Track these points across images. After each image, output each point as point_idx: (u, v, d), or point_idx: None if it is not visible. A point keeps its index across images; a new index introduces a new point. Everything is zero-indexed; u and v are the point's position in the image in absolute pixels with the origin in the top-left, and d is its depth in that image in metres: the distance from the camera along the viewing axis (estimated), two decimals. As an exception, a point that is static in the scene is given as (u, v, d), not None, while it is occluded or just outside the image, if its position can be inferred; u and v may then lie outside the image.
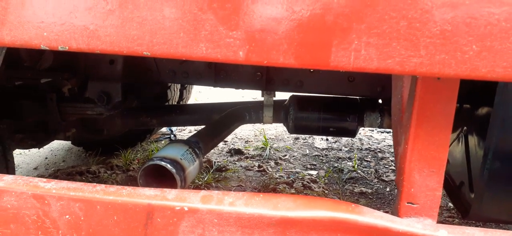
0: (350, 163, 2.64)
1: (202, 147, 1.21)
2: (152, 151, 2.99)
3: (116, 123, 1.73)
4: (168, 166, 1.00)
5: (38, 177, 2.43)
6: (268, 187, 2.19)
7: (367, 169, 2.53)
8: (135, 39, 0.59)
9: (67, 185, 0.74)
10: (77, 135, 2.04)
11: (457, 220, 1.93)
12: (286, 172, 2.46)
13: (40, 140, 1.76)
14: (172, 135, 3.38)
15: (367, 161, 2.68)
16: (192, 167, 1.09)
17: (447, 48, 0.52)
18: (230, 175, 2.40)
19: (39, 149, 2.52)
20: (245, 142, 3.07)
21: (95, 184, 0.75)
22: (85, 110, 1.52)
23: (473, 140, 1.06)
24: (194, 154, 1.13)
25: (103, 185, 0.75)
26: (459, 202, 1.07)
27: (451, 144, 1.21)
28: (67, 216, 0.72)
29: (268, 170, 2.46)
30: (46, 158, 2.99)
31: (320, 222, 0.65)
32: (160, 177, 1.05)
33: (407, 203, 0.67)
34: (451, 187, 1.14)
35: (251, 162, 2.61)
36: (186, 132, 3.47)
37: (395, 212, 0.69)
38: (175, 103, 2.67)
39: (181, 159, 1.06)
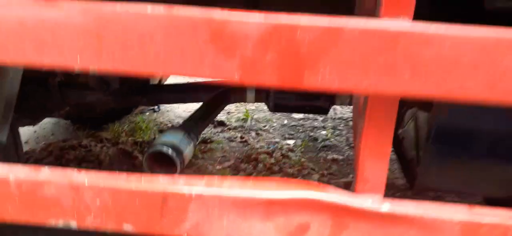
0: (324, 132, 2.88)
1: (195, 130, 1.39)
2: (138, 122, 3.13)
3: (110, 104, 1.88)
4: (169, 151, 1.19)
5: (30, 150, 2.56)
6: (250, 157, 2.41)
7: (339, 137, 2.78)
8: (161, 63, 0.76)
9: (96, 176, 0.92)
10: (70, 112, 2.18)
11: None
12: (266, 142, 2.69)
13: (35, 118, 1.89)
14: (156, 107, 3.53)
15: (340, 129, 2.93)
16: (188, 150, 1.29)
17: (388, 74, 0.72)
18: (214, 147, 2.60)
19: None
20: (227, 113, 3.26)
21: (118, 174, 0.93)
22: (85, 96, 1.67)
23: (421, 118, 1.28)
24: (189, 138, 1.32)
25: (125, 175, 0.93)
26: (409, 174, 1.30)
27: (406, 124, 1.44)
28: (98, 202, 0.90)
29: (249, 140, 2.68)
30: (35, 131, 3.10)
31: (295, 201, 0.86)
32: (162, 160, 1.23)
33: (361, 184, 0.88)
34: (404, 160, 1.38)
35: (234, 133, 2.82)
36: (168, 105, 3.62)
37: (352, 189, 0.90)
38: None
39: (179, 144, 1.25)
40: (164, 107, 3.57)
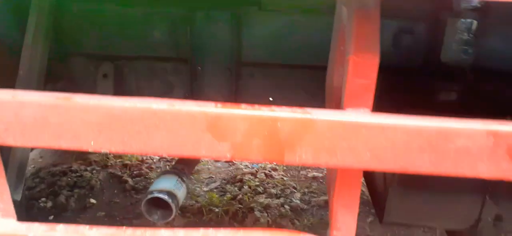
0: (304, 150, 3.06)
1: (186, 173, 1.54)
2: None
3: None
4: (166, 198, 1.34)
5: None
6: (236, 178, 2.57)
7: (318, 155, 2.97)
8: (166, 147, 0.91)
9: (105, 232, 1.06)
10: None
11: None
12: (250, 162, 2.85)
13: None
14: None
15: (319, 147, 3.11)
16: (181, 193, 1.43)
17: (352, 156, 0.89)
18: (201, 168, 2.74)
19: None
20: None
21: (125, 227, 1.07)
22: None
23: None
24: (181, 181, 1.46)
25: (131, 229, 1.07)
26: (378, 207, 1.49)
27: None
28: (108, 255, 1.05)
29: (234, 161, 2.83)
30: (24, 155, 3.14)
31: (280, 249, 1.03)
32: (158, 204, 1.38)
33: (335, 232, 1.05)
34: (374, 195, 1.56)
35: (219, 153, 2.97)
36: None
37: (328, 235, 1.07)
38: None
39: (173, 189, 1.39)
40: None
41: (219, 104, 0.91)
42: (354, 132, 0.88)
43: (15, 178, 1.16)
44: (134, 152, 0.92)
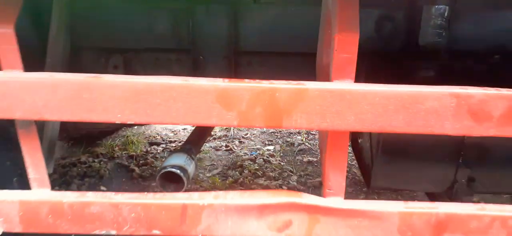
0: (299, 137, 3.24)
1: (194, 151, 1.70)
2: (128, 136, 3.39)
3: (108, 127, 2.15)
4: (178, 172, 1.50)
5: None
6: (236, 164, 2.73)
7: (313, 141, 3.14)
8: (181, 117, 1.07)
9: (129, 196, 1.23)
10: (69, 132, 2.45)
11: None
12: (249, 149, 3.02)
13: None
14: (144, 120, 3.77)
15: (313, 134, 3.29)
16: (191, 169, 1.60)
17: (339, 118, 1.06)
18: (203, 156, 2.91)
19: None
20: (211, 123, 3.57)
21: (146, 193, 1.24)
22: (98, 125, 1.94)
23: (374, 135, 1.64)
24: (191, 158, 1.63)
25: (151, 194, 1.24)
26: (366, 176, 1.66)
27: (363, 138, 1.79)
28: (133, 214, 1.21)
29: (234, 149, 3.00)
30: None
31: (280, 204, 1.19)
32: (171, 178, 1.54)
33: (328, 190, 1.22)
34: (362, 164, 1.73)
35: (219, 142, 3.14)
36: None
37: (321, 194, 1.24)
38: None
39: (184, 164, 1.56)
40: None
41: (226, 79, 1.08)
42: (340, 98, 1.05)
43: (47, 153, 1.32)
44: (155, 122, 1.09)
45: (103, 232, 1.24)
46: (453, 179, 1.48)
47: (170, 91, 1.06)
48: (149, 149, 3.13)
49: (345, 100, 1.05)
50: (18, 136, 1.18)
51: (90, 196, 1.23)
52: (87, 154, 3.05)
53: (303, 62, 1.83)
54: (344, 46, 1.05)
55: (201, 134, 1.92)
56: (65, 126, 1.88)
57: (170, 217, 1.21)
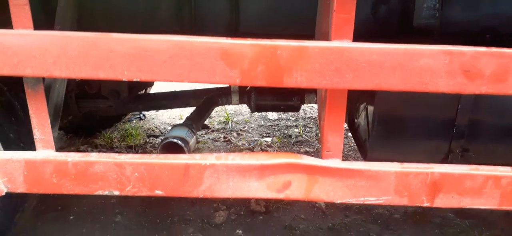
0: (297, 130, 3.28)
1: (195, 127, 1.74)
2: (127, 129, 3.41)
3: (113, 112, 2.19)
4: (179, 142, 1.54)
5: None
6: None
7: (309, 133, 3.18)
8: (186, 74, 1.11)
9: (133, 156, 1.26)
10: (72, 121, 2.47)
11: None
12: (247, 140, 3.05)
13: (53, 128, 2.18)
14: (142, 115, 3.81)
15: (310, 127, 3.33)
16: (192, 142, 1.63)
17: (338, 76, 1.10)
18: (201, 147, 2.94)
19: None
20: (209, 117, 3.60)
21: (150, 154, 1.27)
22: (98, 104, 1.98)
23: (370, 109, 1.68)
24: (192, 132, 1.66)
25: (154, 154, 1.27)
26: (363, 150, 1.70)
27: (360, 114, 1.84)
28: (136, 174, 1.24)
29: (232, 140, 3.04)
30: (32, 143, 3.30)
31: (280, 165, 1.23)
32: (172, 149, 1.57)
33: (326, 151, 1.26)
34: (359, 142, 1.78)
35: (217, 134, 3.17)
36: (153, 112, 3.92)
37: (319, 156, 1.28)
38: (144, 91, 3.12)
39: (185, 136, 1.59)
40: (149, 114, 3.87)
41: (229, 38, 1.13)
42: (339, 56, 1.09)
43: (52, 118, 1.35)
44: (161, 79, 1.12)
45: (105, 193, 1.27)
46: (447, 150, 1.52)
47: (175, 48, 1.10)
48: (147, 140, 3.15)
49: (344, 58, 1.09)
50: (26, 95, 1.21)
51: (94, 156, 1.26)
52: (86, 145, 3.07)
53: None
54: (342, 6, 1.10)
55: (201, 112, 1.96)
56: (68, 105, 1.91)
57: (172, 177, 1.24)
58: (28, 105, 1.22)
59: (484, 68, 1.09)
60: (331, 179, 1.24)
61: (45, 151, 1.27)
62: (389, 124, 1.54)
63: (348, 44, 1.10)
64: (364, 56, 1.09)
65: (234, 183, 1.24)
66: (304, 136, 3.15)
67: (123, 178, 1.25)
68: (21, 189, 1.27)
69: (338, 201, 1.26)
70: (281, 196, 1.26)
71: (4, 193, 1.27)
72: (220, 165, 1.23)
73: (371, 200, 1.25)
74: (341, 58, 1.09)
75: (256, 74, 1.12)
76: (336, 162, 1.24)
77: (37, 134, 1.25)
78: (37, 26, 1.15)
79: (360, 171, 1.23)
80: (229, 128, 3.31)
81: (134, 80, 1.14)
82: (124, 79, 1.14)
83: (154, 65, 1.12)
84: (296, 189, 1.25)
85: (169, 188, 1.25)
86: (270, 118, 3.57)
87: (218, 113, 3.69)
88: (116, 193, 1.27)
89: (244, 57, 1.11)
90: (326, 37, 1.31)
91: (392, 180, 1.23)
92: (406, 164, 1.25)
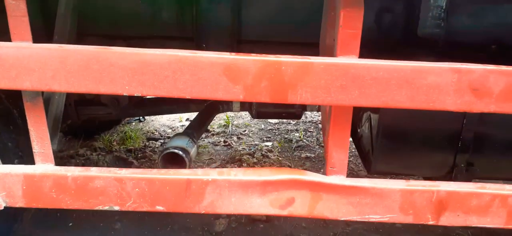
0: (297, 134, 3.25)
1: (196, 135, 1.72)
2: (126, 132, 3.38)
3: (114, 117, 2.16)
4: (180, 153, 1.51)
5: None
6: (234, 158, 2.74)
7: (310, 138, 3.16)
8: (189, 89, 1.09)
9: (134, 171, 1.24)
10: (72, 124, 2.45)
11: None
12: (247, 145, 3.03)
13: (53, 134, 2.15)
14: (142, 118, 3.78)
15: (311, 131, 3.31)
16: (193, 151, 1.61)
17: (343, 93, 1.08)
18: (201, 151, 2.91)
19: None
20: (209, 120, 3.58)
21: (150, 168, 1.25)
22: (98, 112, 1.96)
23: (374, 121, 1.66)
24: (193, 142, 1.64)
25: (156, 170, 1.25)
26: (366, 162, 1.68)
27: (363, 124, 1.82)
28: (137, 189, 1.22)
29: (232, 144, 3.01)
30: (30, 145, 3.28)
31: (283, 181, 1.21)
32: (173, 160, 1.55)
33: (330, 168, 1.24)
34: (362, 152, 1.76)
35: (217, 138, 3.14)
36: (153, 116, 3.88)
37: (324, 173, 1.26)
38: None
39: (186, 146, 1.57)
40: (149, 117, 3.85)
41: (233, 53, 1.10)
42: (345, 73, 1.07)
43: (52, 130, 1.33)
44: (162, 95, 1.10)
45: (106, 208, 1.25)
46: (452, 164, 1.50)
47: (178, 63, 1.08)
48: (147, 143, 3.13)
49: (350, 75, 1.07)
50: (25, 108, 1.18)
51: (94, 171, 1.24)
52: (85, 147, 3.05)
53: (305, 52, 1.86)
54: (349, 21, 1.08)
55: (202, 120, 1.94)
56: (67, 112, 1.89)
57: (174, 193, 1.22)
58: (27, 118, 1.20)
59: (493, 87, 1.07)
60: (335, 196, 1.22)
61: (44, 165, 1.25)
62: (394, 136, 1.51)
63: (354, 60, 1.08)
64: (371, 73, 1.07)
65: (236, 199, 1.22)
66: (305, 141, 3.13)
67: (123, 193, 1.22)
68: (20, 203, 1.25)
69: (342, 219, 1.24)
70: (284, 213, 1.23)
71: (2, 208, 1.24)
72: (222, 180, 1.20)
73: (375, 218, 1.23)
74: (347, 75, 1.07)
75: (260, 90, 1.10)
76: (340, 179, 1.22)
77: (36, 147, 1.23)
78: (36, 33, 1.13)
79: (365, 189, 1.21)
80: (229, 131, 3.28)
81: (136, 95, 1.12)
82: (125, 94, 1.12)
83: (156, 80, 1.09)
84: (300, 206, 1.23)
85: (171, 203, 1.23)
86: (271, 122, 3.54)
87: (219, 116, 3.66)
88: (117, 208, 1.25)
89: (248, 73, 1.08)
90: (330, 50, 1.29)
91: (397, 198, 1.21)
92: (411, 182, 1.23)
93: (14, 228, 1.65)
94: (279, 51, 1.92)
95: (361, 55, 1.14)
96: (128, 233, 2.05)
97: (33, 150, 1.23)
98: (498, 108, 1.08)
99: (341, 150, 1.22)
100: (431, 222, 1.23)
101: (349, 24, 1.08)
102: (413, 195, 1.22)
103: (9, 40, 1.10)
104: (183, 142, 1.59)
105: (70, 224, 2.09)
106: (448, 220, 1.22)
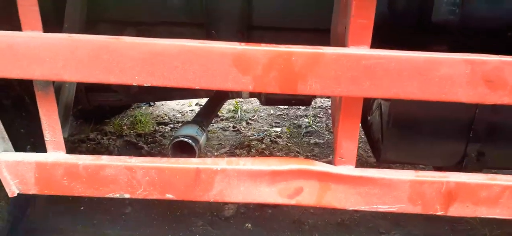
0: (307, 120, 3.25)
1: (206, 123, 1.72)
2: (136, 116, 3.40)
3: (123, 102, 2.17)
4: (190, 142, 1.52)
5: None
6: (243, 144, 2.75)
7: (320, 124, 3.15)
8: (198, 80, 1.08)
9: (144, 160, 1.25)
10: (83, 109, 2.47)
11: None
12: (256, 130, 3.03)
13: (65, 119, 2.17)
14: (151, 102, 3.80)
15: (320, 117, 3.30)
16: (202, 139, 1.61)
17: (354, 84, 1.07)
18: (210, 136, 2.93)
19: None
20: (218, 105, 3.58)
21: (160, 157, 1.26)
22: (108, 98, 1.97)
23: (385, 109, 1.65)
24: (202, 130, 1.64)
25: (166, 158, 1.26)
26: (376, 150, 1.67)
27: (374, 112, 1.80)
28: (147, 178, 1.23)
29: (241, 129, 3.02)
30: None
31: (292, 171, 1.21)
32: (183, 148, 1.56)
33: (339, 158, 1.24)
34: (372, 140, 1.75)
35: (226, 123, 3.15)
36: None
37: (332, 162, 1.26)
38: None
39: (196, 135, 1.57)
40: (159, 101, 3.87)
41: (243, 43, 1.09)
42: (356, 64, 1.06)
43: (63, 118, 1.34)
44: (172, 85, 1.10)
45: (116, 196, 1.27)
46: (463, 153, 1.48)
47: (187, 53, 1.07)
48: (157, 128, 3.15)
49: (361, 66, 1.06)
50: (36, 97, 1.19)
51: (105, 159, 1.25)
52: (96, 132, 3.08)
53: (315, 38, 1.83)
54: (361, 11, 1.06)
55: (211, 108, 1.94)
56: (78, 98, 1.90)
57: (183, 181, 1.23)
58: (39, 107, 1.21)
59: (508, 78, 1.05)
60: (344, 186, 1.22)
61: (55, 153, 1.27)
62: (404, 125, 1.50)
63: (365, 51, 1.06)
64: (382, 64, 1.05)
65: (245, 188, 1.23)
66: (314, 126, 3.12)
67: (134, 181, 1.24)
68: (32, 190, 1.27)
69: (350, 208, 1.24)
70: (292, 202, 1.24)
71: (16, 194, 1.27)
72: (231, 170, 1.21)
73: (383, 208, 1.23)
74: (358, 66, 1.06)
75: (269, 80, 1.09)
76: (349, 169, 1.22)
77: (47, 136, 1.24)
78: (46, 20, 1.12)
79: (374, 179, 1.20)
80: (238, 117, 3.29)
81: (145, 85, 1.12)
82: (135, 84, 1.12)
83: (165, 70, 1.09)
84: (308, 195, 1.23)
85: (180, 192, 1.24)
86: (280, 107, 3.54)
87: (228, 101, 3.66)
88: (127, 196, 1.26)
89: (257, 63, 1.08)
90: (342, 38, 1.27)
91: (406, 188, 1.21)
92: (420, 173, 1.23)
93: (28, 211, 1.69)
94: (291, 38, 1.91)
95: (373, 42, 1.13)
96: (138, 217, 2.08)
97: (45, 139, 1.25)
98: (512, 100, 1.07)
99: (350, 140, 1.21)
100: (439, 213, 1.22)
101: (361, 14, 1.06)
102: (422, 186, 1.21)
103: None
104: (192, 130, 1.60)
105: (82, 208, 2.13)
106: (457, 211, 1.22)
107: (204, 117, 1.77)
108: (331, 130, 3.08)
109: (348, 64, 1.06)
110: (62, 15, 1.53)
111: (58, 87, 1.38)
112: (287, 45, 1.08)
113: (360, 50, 1.07)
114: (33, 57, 1.09)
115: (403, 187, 1.21)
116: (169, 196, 1.25)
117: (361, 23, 1.07)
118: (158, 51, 1.08)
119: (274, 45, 1.08)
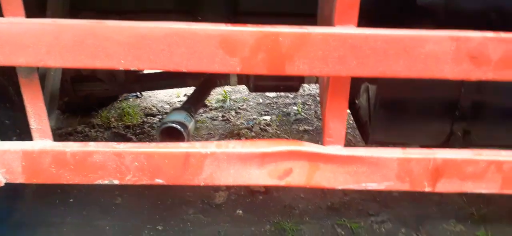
0: (295, 107, 3.26)
1: (194, 110, 1.72)
2: (124, 108, 3.38)
3: (111, 93, 2.16)
4: (178, 127, 1.51)
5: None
6: (233, 133, 2.75)
7: (309, 111, 3.16)
8: (185, 62, 1.08)
9: (133, 145, 1.24)
10: (68, 101, 2.44)
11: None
12: (245, 119, 3.03)
13: (50, 112, 2.14)
14: (139, 93, 3.77)
15: (309, 104, 3.31)
16: (191, 125, 1.61)
17: (341, 63, 1.08)
18: (199, 125, 2.92)
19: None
20: (207, 95, 3.57)
21: (150, 142, 1.25)
22: (95, 87, 1.95)
23: (372, 92, 1.66)
24: (191, 116, 1.64)
25: (155, 143, 1.25)
26: (364, 133, 1.69)
27: (361, 95, 1.82)
28: (136, 163, 1.22)
29: (230, 119, 3.02)
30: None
31: (281, 152, 1.21)
32: (172, 134, 1.55)
33: (328, 138, 1.25)
34: (360, 123, 1.76)
35: (215, 113, 3.15)
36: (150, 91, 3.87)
37: (321, 143, 1.27)
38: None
39: (184, 120, 1.57)
40: (146, 92, 3.84)
41: (229, 25, 1.09)
42: (343, 43, 1.06)
43: (49, 105, 1.32)
44: (158, 68, 1.09)
45: (105, 182, 1.26)
46: (449, 132, 1.50)
47: (173, 36, 1.07)
48: (145, 119, 3.13)
49: (348, 45, 1.06)
50: (20, 85, 1.17)
51: (92, 146, 1.24)
52: (83, 124, 3.05)
53: (303, 23, 1.84)
54: (346, -11, 1.06)
55: (199, 95, 1.93)
56: (64, 88, 1.88)
57: (173, 166, 1.23)
58: (23, 94, 1.19)
59: (491, 54, 1.06)
60: (332, 165, 1.23)
61: (42, 141, 1.25)
62: (391, 106, 1.52)
63: (352, 30, 1.07)
64: (369, 42, 1.06)
65: (235, 171, 1.23)
66: (303, 114, 3.14)
67: (122, 167, 1.23)
68: (20, 179, 1.25)
69: (339, 188, 1.25)
70: (282, 183, 1.25)
71: (3, 184, 1.25)
72: (221, 153, 1.21)
73: (372, 186, 1.24)
74: (345, 45, 1.06)
75: (257, 61, 1.09)
76: (337, 149, 1.23)
77: (33, 124, 1.22)
78: (28, 8, 1.10)
79: (362, 158, 1.22)
80: (227, 106, 3.28)
81: (132, 69, 1.11)
82: (121, 68, 1.11)
83: (152, 53, 1.08)
84: (297, 176, 1.24)
85: (170, 176, 1.24)
86: (269, 95, 3.54)
87: (216, 91, 3.65)
88: (116, 182, 1.25)
89: (245, 45, 1.07)
90: (329, 20, 1.27)
91: (394, 166, 1.22)
92: (408, 150, 1.24)
93: (16, 203, 1.67)
94: (278, 23, 1.92)
95: (360, 26, 1.13)
96: (129, 207, 2.07)
97: (31, 127, 1.23)
98: (496, 76, 1.08)
99: (338, 120, 1.22)
100: (427, 189, 1.24)
101: (347, -7, 1.06)
102: (409, 163, 1.23)
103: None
104: (181, 116, 1.59)
105: (71, 199, 2.11)
106: (444, 186, 1.24)
107: (193, 104, 1.77)
108: (320, 117, 3.09)
109: (335, 43, 1.06)
110: (44, 4, 1.51)
111: (42, 75, 1.36)
112: (273, 26, 1.08)
113: (347, 29, 1.07)
114: (16, 44, 1.07)
115: (391, 165, 1.23)
116: (158, 181, 1.25)
117: (347, 2, 1.07)
118: (144, 34, 1.07)
119: (261, 25, 1.08)
